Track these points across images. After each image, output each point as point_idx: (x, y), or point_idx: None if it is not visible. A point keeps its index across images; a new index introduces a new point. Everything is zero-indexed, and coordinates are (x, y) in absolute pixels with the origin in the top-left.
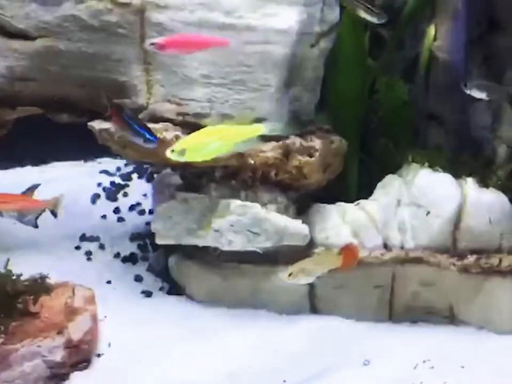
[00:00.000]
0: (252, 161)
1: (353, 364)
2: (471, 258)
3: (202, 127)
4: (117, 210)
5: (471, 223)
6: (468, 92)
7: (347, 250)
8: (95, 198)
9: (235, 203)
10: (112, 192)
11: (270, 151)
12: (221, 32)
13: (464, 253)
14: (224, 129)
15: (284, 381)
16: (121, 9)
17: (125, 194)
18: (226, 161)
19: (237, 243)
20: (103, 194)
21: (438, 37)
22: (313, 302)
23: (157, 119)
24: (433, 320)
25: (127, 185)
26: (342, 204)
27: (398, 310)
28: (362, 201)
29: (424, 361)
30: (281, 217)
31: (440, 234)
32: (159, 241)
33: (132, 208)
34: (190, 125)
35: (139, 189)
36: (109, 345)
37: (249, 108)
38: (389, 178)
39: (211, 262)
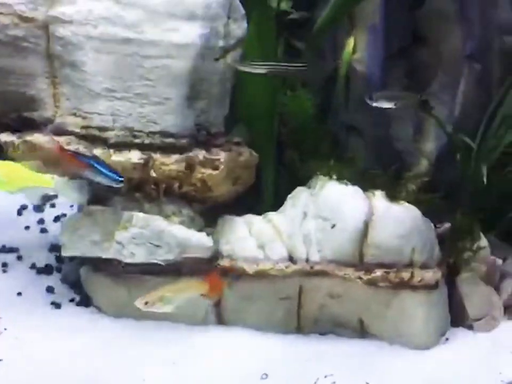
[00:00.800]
0: (154, 174)
1: (251, 378)
2: (378, 272)
3: (105, 140)
4: (41, 221)
5: (378, 237)
6: (374, 104)
7: (211, 279)
8: (21, 209)
9: (137, 216)
10: (39, 203)
11: (172, 163)
12: (123, 46)
13: (372, 267)
14: (16, 169)
15: None
16: (27, 23)
17: (52, 205)
18: (129, 174)
19: (139, 255)
20: (31, 206)
21: (357, 50)
22: (220, 313)
23: (63, 132)
24: (343, 333)
25: (56, 196)
26: (250, 216)
27: (306, 322)
28: (270, 214)
29: (326, 376)
30: (184, 229)
31: (346, 248)
32: (65, 253)
33: (56, 219)
34: (93, 138)
35: (67, 200)
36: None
37: (152, 121)
38: (298, 191)
39: (117, 274)
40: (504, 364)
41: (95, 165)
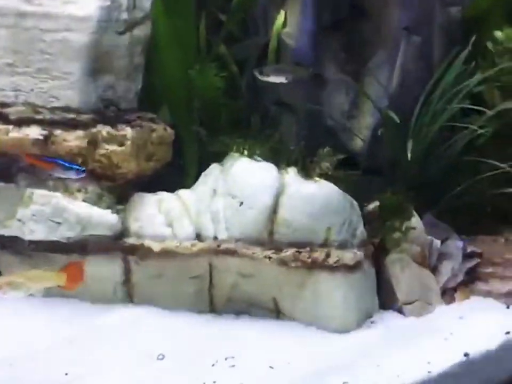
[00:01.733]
0: (56, 150)
1: (148, 359)
2: (288, 252)
3: (7, 116)
4: None
5: (288, 215)
6: (264, 78)
7: (70, 269)
8: None
9: (38, 192)
10: None
11: (74, 139)
12: (22, 20)
13: (282, 246)
14: None
15: (66, 374)
16: None
17: None
18: (28, 150)
19: (39, 232)
20: None
21: (287, 24)
22: (129, 292)
23: None
24: (258, 313)
25: None
26: (162, 193)
27: (219, 302)
28: (181, 191)
29: (226, 358)
30: (85, 206)
31: (254, 226)
32: None
33: None
34: None
35: None
36: None
37: (54, 97)
38: (212, 167)
39: (22, 252)
40: (432, 352)
41: (61, 163)
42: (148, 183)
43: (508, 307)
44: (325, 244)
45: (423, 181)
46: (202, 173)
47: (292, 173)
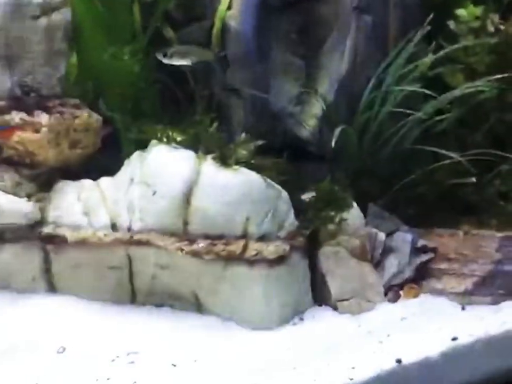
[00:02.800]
0: None
1: (50, 351)
2: (201, 244)
3: None
4: None
5: (202, 205)
6: (167, 61)
7: None
8: None
9: None
10: None
11: None
12: None
13: (196, 237)
14: None
15: None
16: None
17: None
18: None
19: None
20: None
21: (233, 5)
22: (51, 281)
23: None
24: (180, 306)
25: None
26: (84, 180)
27: (140, 293)
28: (102, 178)
29: (128, 354)
30: None
31: (167, 216)
32: None
33: None
34: None
35: None
36: None
37: None
38: (135, 155)
39: None
40: (360, 356)
41: None
42: (87, 170)
43: (463, 308)
44: (243, 236)
45: (371, 169)
46: (125, 161)
47: (208, 161)
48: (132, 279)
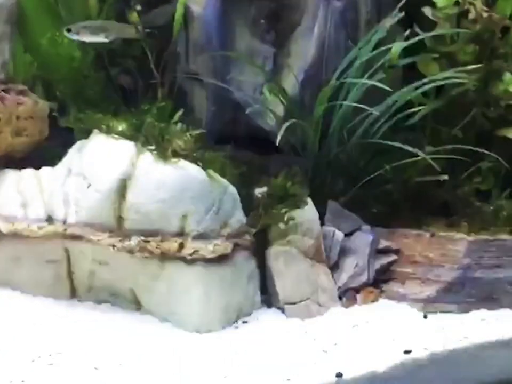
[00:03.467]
0: None
1: None
2: (134, 241)
3: None
4: None
5: (136, 200)
6: (74, 37)
7: None
8: None
9: None
10: None
11: None
12: None
13: (131, 233)
14: None
15: None
16: None
17: None
18: None
19: None
20: None
21: None
22: None
23: None
24: (120, 303)
25: None
26: (26, 170)
27: (80, 288)
28: (42, 168)
29: (50, 355)
30: None
31: (102, 211)
32: None
33: None
34: None
35: None
36: None
37: None
38: (76, 144)
39: None
40: (298, 366)
41: None
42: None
43: (425, 317)
44: (181, 233)
45: (333, 165)
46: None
47: (147, 153)
48: (71, 274)
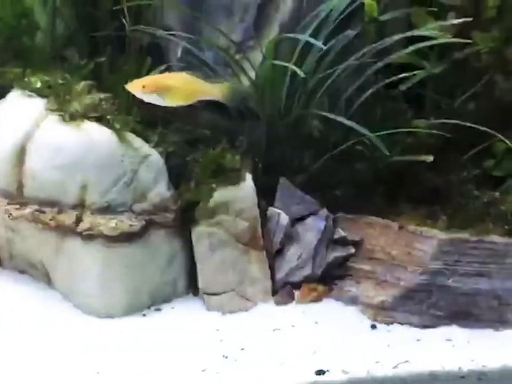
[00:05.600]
0: None
1: None
2: (27, 210)
3: None
4: None
5: (34, 166)
6: None
7: None
8: None
9: None
10: None
11: None
12: None
13: (30, 202)
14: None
15: None
16: None
17: None
18: None
19: None
20: None
21: None
22: None
23: None
24: (36, 275)
25: None
26: None
27: (3, 255)
28: None
29: None
30: None
31: (2, 175)
32: None
33: None
34: None
35: None
36: None
37: None
38: None
39: None
40: (183, 372)
41: None
42: None
43: (373, 327)
44: (82, 205)
45: (291, 137)
46: None
47: (51, 113)
48: None
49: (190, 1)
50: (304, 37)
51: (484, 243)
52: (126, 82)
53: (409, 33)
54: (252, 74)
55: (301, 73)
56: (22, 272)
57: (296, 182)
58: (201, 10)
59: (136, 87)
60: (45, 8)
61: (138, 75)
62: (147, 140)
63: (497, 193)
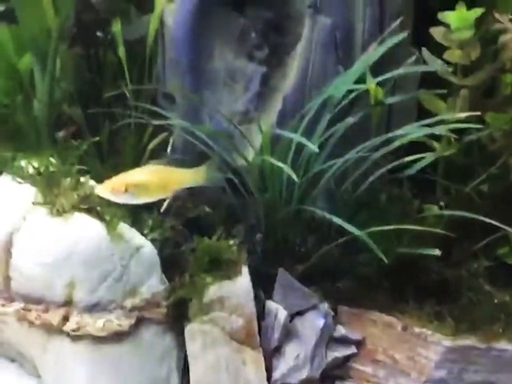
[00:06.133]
0: None
1: None
2: (12, 308)
3: None
4: None
5: (20, 260)
6: None
7: None
8: None
9: None
10: None
11: None
12: None
13: (15, 297)
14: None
15: None
16: None
17: None
18: None
19: None
20: None
21: None
22: None
23: None
24: (25, 364)
25: None
26: None
27: None
28: None
29: None
30: None
31: None
32: None
33: None
34: None
35: None
36: None
37: None
38: None
39: None
40: None
41: None
42: None
43: None
44: (68, 303)
45: (292, 220)
46: None
47: (39, 203)
48: None
49: (193, 67)
50: (297, 137)
51: (492, 350)
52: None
53: (416, 125)
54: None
55: (295, 178)
56: (12, 360)
57: (296, 271)
58: (204, 77)
59: (105, 191)
60: (43, 80)
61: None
62: (141, 225)
63: (507, 297)
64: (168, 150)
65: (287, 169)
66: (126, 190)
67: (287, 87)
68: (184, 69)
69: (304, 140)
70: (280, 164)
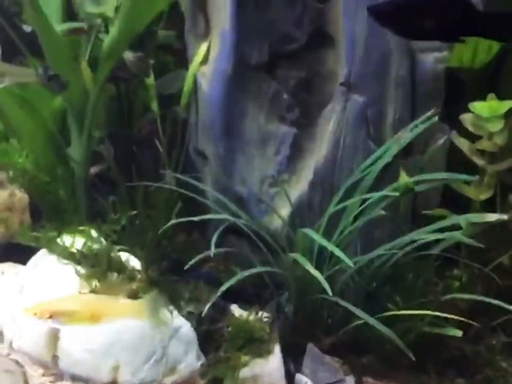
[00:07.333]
0: None
1: None
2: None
3: None
4: None
5: (67, 344)
6: None
7: None
8: None
9: None
10: None
11: None
12: None
13: (64, 375)
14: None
15: None
16: None
17: None
18: None
19: None
20: None
21: (209, 59)
22: None
23: None
24: None
25: None
26: None
27: None
28: None
29: None
30: None
31: (39, 344)
32: None
33: None
34: None
35: None
36: None
37: None
38: (33, 260)
39: None
40: None
41: None
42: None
43: None
44: (114, 383)
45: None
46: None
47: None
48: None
49: (226, 130)
50: (334, 250)
51: None
52: None
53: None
54: (285, 211)
55: (329, 291)
56: None
57: (325, 344)
58: (238, 140)
59: (29, 313)
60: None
61: None
62: (177, 299)
63: None
64: None
65: (321, 279)
66: (50, 317)
67: (319, 159)
68: (218, 132)
69: (341, 254)
70: (316, 274)
